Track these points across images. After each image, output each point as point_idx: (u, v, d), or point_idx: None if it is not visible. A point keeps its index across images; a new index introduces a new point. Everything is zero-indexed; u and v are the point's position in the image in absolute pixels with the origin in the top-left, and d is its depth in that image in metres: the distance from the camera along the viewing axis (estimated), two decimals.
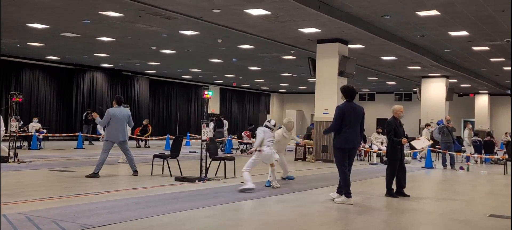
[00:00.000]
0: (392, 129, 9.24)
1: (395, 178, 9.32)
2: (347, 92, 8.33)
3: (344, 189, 8.15)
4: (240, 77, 32.49)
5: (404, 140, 9.33)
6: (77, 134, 21.82)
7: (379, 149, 17.88)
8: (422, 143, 11.27)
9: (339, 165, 8.23)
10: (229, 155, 13.18)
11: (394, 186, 9.31)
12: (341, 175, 8.18)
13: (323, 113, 17.03)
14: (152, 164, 11.53)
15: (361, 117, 8.33)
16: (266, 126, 9.81)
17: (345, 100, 8.32)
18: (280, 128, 11.15)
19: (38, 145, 18.85)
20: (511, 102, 32.98)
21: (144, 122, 23.93)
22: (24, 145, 18.82)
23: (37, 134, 19.00)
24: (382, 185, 11.04)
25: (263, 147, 9.56)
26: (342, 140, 8.12)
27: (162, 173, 11.37)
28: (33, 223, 5.88)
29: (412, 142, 11.03)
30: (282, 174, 11.51)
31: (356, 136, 8.30)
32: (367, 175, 13.24)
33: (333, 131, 8.25)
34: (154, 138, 24.66)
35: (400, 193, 9.23)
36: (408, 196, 9.14)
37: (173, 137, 12.71)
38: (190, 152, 19.43)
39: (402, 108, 9.67)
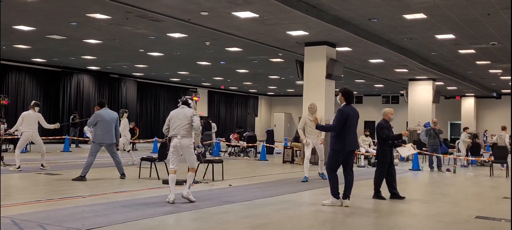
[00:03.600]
0: (384, 131, 9.28)
1: (385, 181, 9.35)
2: (349, 96, 8.35)
3: (332, 190, 8.18)
4: (228, 80, 32.48)
5: (404, 132, 9.51)
6: (63, 137, 21.66)
7: (366, 152, 17.95)
8: (407, 150, 11.35)
9: (330, 169, 8.20)
10: (217, 158, 13.17)
11: (382, 189, 9.35)
12: (330, 178, 8.19)
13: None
14: (140, 167, 11.48)
15: (357, 120, 8.39)
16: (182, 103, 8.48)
17: (344, 103, 8.32)
18: None
19: (24, 148, 18.67)
20: None
21: (130, 126, 23.81)
22: (10, 148, 18.65)
23: None
24: (370, 187, 11.09)
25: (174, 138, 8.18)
26: (344, 143, 8.08)
27: (150, 176, 11.33)
28: (19, 227, 5.83)
29: (398, 149, 11.09)
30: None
31: (356, 139, 8.37)
32: (355, 178, 13.24)
33: (332, 131, 8.23)
34: (142, 141, 24.57)
35: (394, 195, 9.26)
36: (403, 197, 9.16)
37: (161, 140, 12.67)
38: None
39: (393, 110, 9.75)
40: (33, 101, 13.30)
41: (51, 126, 13.44)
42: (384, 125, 9.40)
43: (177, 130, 8.14)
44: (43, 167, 12.65)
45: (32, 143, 20.23)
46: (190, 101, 8.40)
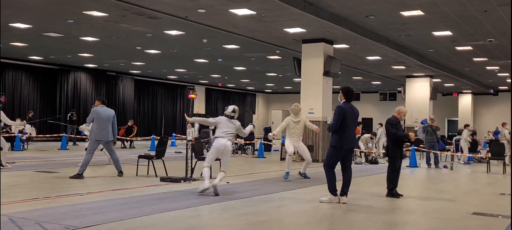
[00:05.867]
0: (392, 128, 9.19)
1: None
2: (348, 93, 8.30)
3: (330, 187, 8.18)
4: (226, 77, 32.47)
5: (411, 134, 9.42)
6: (61, 135, 21.64)
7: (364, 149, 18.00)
8: None
9: (328, 165, 8.18)
10: None
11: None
12: (328, 175, 8.17)
13: (309, 113, 17.06)
14: (137, 165, 11.47)
15: (357, 118, 8.36)
16: (224, 115, 9.32)
17: (344, 100, 8.30)
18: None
19: (22, 146, 18.65)
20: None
21: (129, 123, 23.82)
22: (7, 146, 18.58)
23: (20, 135, 18.80)
24: (367, 184, 11.13)
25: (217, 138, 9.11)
26: (343, 140, 8.05)
27: (148, 173, 11.32)
28: (16, 225, 5.82)
29: None
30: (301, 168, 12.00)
31: (355, 136, 8.35)
32: (353, 174, 13.26)
33: (334, 129, 8.17)
34: (139, 139, 24.56)
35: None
36: (401, 195, 9.12)
37: (159, 138, 12.66)
38: (175, 152, 19.37)
39: (406, 112, 9.73)
40: None
41: (12, 123, 12.98)
42: (393, 121, 9.31)
43: (225, 135, 8.97)
44: (2, 166, 11.78)
45: (29, 140, 20.31)
46: (234, 115, 9.26)
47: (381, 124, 19.85)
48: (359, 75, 28.46)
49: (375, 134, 19.62)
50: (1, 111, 11.97)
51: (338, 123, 8.07)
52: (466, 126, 19.92)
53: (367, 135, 19.02)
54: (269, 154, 20.13)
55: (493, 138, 21.78)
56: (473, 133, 20.02)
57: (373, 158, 17.45)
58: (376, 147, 20.08)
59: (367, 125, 23.19)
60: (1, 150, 11.93)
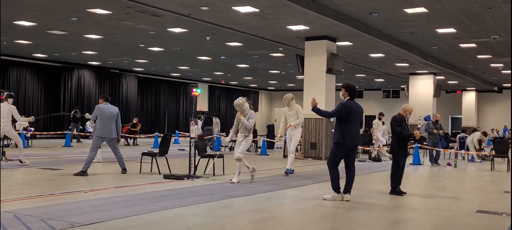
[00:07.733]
0: (398, 126, 9.16)
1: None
2: (352, 90, 8.30)
3: (333, 184, 8.18)
4: (229, 75, 32.48)
5: (416, 132, 9.39)
6: (65, 132, 21.69)
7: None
8: None
9: (331, 163, 8.19)
10: (217, 153, 13.19)
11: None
12: (331, 172, 8.18)
13: (312, 110, 17.05)
14: (141, 162, 11.49)
15: (361, 115, 8.35)
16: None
17: (347, 97, 8.29)
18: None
19: (26, 143, 18.69)
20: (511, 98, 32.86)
21: (134, 121, 23.84)
22: (11, 144, 18.65)
23: (24, 132, 18.85)
24: (371, 182, 11.13)
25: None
26: (347, 137, 8.05)
27: (151, 171, 11.33)
28: (21, 222, 5.85)
29: None
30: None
31: (358, 134, 8.33)
32: (356, 172, 13.24)
33: (328, 117, 8.20)
34: (142, 136, 24.60)
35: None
36: (404, 193, 9.10)
37: (162, 135, 12.68)
38: (178, 149, 19.39)
39: (412, 109, 9.70)
40: (6, 92, 12.42)
41: (25, 119, 13.17)
42: (398, 119, 9.27)
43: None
44: (21, 163, 12.08)
45: (31, 138, 20.32)
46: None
47: (383, 123, 19.77)
48: (362, 73, 28.43)
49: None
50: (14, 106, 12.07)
51: (334, 114, 8.19)
52: (481, 131, 19.29)
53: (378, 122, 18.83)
54: (272, 152, 20.15)
55: (497, 136, 21.70)
56: (475, 131, 19.92)
57: (376, 156, 17.45)
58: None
59: (370, 123, 23.08)
60: (7, 146, 12.00)
